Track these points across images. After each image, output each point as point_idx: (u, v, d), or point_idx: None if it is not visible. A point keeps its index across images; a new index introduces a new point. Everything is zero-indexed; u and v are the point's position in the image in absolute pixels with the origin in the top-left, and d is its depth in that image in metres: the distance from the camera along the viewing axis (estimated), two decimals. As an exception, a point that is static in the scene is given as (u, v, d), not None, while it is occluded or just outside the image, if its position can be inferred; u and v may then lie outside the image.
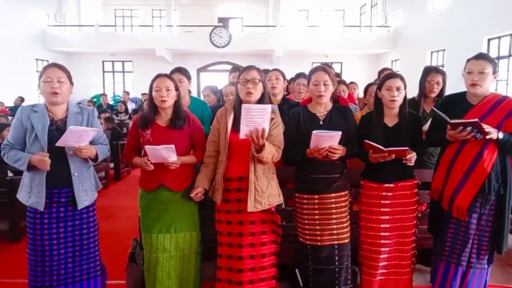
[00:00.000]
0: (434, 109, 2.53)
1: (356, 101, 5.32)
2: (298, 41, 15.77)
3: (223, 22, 17.92)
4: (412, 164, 2.54)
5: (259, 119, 2.25)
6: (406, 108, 2.68)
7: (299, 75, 4.17)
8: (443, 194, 2.60)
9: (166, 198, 2.68)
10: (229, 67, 16.21)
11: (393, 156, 2.47)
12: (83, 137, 2.41)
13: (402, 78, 2.64)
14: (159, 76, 2.66)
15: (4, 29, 12.99)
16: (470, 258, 2.60)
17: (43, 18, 15.59)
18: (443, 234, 2.65)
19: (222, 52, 15.81)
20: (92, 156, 2.57)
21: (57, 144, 2.38)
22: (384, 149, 2.44)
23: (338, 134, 2.41)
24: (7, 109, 11.17)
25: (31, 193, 2.49)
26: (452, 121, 2.40)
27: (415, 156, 2.52)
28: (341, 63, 17.32)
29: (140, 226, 2.85)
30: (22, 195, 2.55)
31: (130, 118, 9.31)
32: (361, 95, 7.27)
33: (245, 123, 2.25)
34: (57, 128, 2.52)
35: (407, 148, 2.48)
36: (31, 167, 2.42)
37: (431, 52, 12.91)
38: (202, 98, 4.27)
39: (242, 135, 2.29)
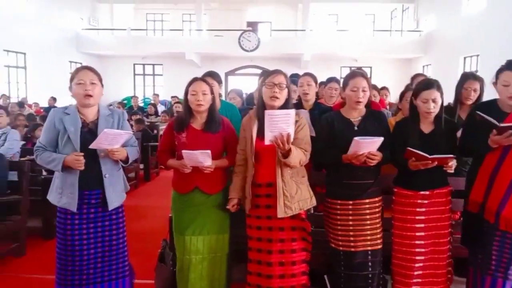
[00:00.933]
0: (479, 113, 2.40)
1: (387, 106, 5.22)
2: (327, 45, 15.72)
3: (252, 26, 18.03)
4: (452, 171, 2.47)
5: (283, 124, 2.23)
6: (442, 114, 2.61)
7: (331, 80, 4.13)
8: (486, 206, 2.49)
9: (200, 200, 2.69)
10: (257, 71, 16.39)
11: (436, 163, 2.41)
12: (116, 139, 2.45)
13: (439, 87, 2.55)
14: (195, 80, 2.67)
15: (40, 31, 13.48)
16: None
17: (77, 21, 16.09)
18: (486, 247, 2.53)
19: (251, 56, 15.89)
20: (123, 158, 2.59)
21: (90, 147, 2.41)
22: (429, 156, 2.36)
23: (379, 140, 2.37)
24: (41, 110, 11.52)
25: (62, 194, 2.52)
26: (502, 124, 2.29)
27: (456, 164, 2.46)
28: (371, 67, 17.10)
29: (171, 228, 2.87)
30: (53, 196, 2.58)
31: (161, 120, 9.45)
32: (392, 100, 7.17)
33: (269, 129, 2.23)
34: (89, 130, 2.55)
35: (452, 155, 2.41)
36: (65, 168, 2.45)
37: (464, 58, 12.62)
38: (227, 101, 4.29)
39: (267, 141, 2.27)
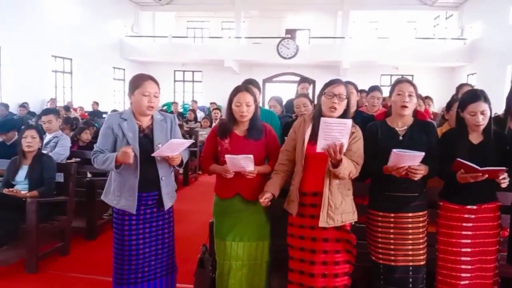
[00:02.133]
0: None
1: (431, 116, 5.09)
2: (366, 52, 15.49)
3: (291, 33, 18.06)
4: (505, 185, 2.34)
5: (338, 133, 2.20)
6: (491, 125, 2.50)
7: (373, 88, 4.09)
8: None
9: (241, 206, 2.72)
10: (294, 78, 16.36)
11: (486, 176, 2.30)
12: (179, 147, 2.57)
13: (486, 99, 2.45)
14: (239, 90, 2.69)
15: (86, 38, 14.04)
16: None
17: (121, 29, 16.63)
18: None
19: (288, 63, 15.90)
20: (179, 162, 2.71)
21: (154, 155, 2.55)
22: (479, 168, 2.26)
23: (420, 155, 2.29)
24: (86, 114, 11.95)
25: (121, 197, 2.65)
26: None
27: (508, 178, 2.33)
28: (412, 75, 16.68)
29: (211, 233, 2.90)
30: (110, 198, 2.71)
31: (202, 125, 9.60)
32: (435, 110, 6.97)
33: (323, 137, 2.21)
34: (145, 135, 2.67)
35: (503, 168, 2.29)
36: (119, 166, 2.56)
37: (512, 66, 12.11)
38: (267, 108, 4.30)
39: (319, 148, 2.25)
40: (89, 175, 5.11)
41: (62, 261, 3.98)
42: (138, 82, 2.62)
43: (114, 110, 11.38)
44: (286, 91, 12.32)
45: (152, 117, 2.73)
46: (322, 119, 2.22)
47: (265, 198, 2.55)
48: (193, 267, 3.08)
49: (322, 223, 2.41)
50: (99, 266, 3.76)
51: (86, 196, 4.48)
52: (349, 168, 2.35)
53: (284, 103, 4.73)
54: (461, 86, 4.33)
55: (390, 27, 18.25)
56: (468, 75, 15.15)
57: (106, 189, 2.76)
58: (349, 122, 2.24)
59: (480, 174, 2.29)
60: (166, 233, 2.80)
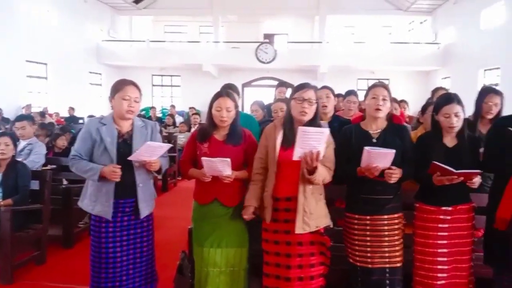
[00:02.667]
0: (511, 129, 2.37)
1: (407, 119, 5.19)
2: (343, 57, 15.69)
3: (269, 38, 18.18)
4: (476, 187, 2.43)
5: (315, 142, 2.22)
6: (465, 129, 2.58)
7: (350, 93, 4.13)
8: None
9: (219, 212, 2.70)
10: (273, 82, 16.44)
11: (461, 178, 2.37)
12: (156, 152, 2.55)
13: (459, 101, 2.54)
14: (220, 95, 2.69)
15: (62, 42, 13.80)
16: None
17: (97, 33, 16.41)
18: None
19: (267, 67, 15.97)
20: (157, 169, 2.68)
21: (130, 158, 2.52)
22: (455, 171, 2.32)
23: (391, 152, 2.33)
24: (62, 119, 11.74)
25: (96, 202, 2.62)
26: None
27: (480, 180, 2.42)
28: (388, 79, 16.97)
29: (190, 239, 2.88)
30: (86, 203, 2.68)
31: (179, 130, 9.52)
32: (410, 113, 7.11)
33: (300, 145, 2.23)
34: (124, 141, 2.65)
35: (478, 171, 2.37)
36: (101, 178, 2.54)
37: (484, 70, 12.47)
38: (249, 113, 4.31)
39: (296, 157, 2.26)
40: (65, 182, 5.03)
41: (38, 270, 3.89)
42: (119, 86, 2.62)
43: (91, 116, 11.22)
44: (265, 96, 12.40)
45: (133, 123, 2.71)
46: (300, 128, 2.24)
47: (249, 214, 2.58)
48: (173, 273, 3.07)
49: (298, 229, 2.43)
50: (76, 274, 3.69)
51: (62, 204, 4.39)
52: (323, 174, 2.39)
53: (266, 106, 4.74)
54: (436, 90, 4.42)
55: (366, 32, 18.56)
56: (442, 79, 15.50)
57: (82, 194, 2.73)
58: (326, 131, 2.26)
59: (456, 176, 2.36)
60: (145, 241, 2.76)
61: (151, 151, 2.52)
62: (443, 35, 15.48)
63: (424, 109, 3.55)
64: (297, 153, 2.25)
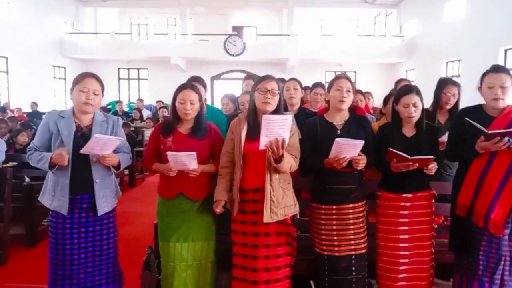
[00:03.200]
0: (468, 120, 2.44)
1: (371, 111, 5.29)
2: (312, 50, 15.80)
3: (237, 30, 18.07)
4: (432, 174, 2.52)
5: (280, 129, 2.24)
6: (423, 119, 2.66)
7: (316, 85, 4.16)
8: (475, 209, 2.53)
9: (185, 207, 2.69)
10: (242, 75, 16.38)
11: (417, 165, 2.45)
12: (107, 145, 2.48)
13: (418, 92, 2.62)
14: (183, 88, 2.66)
15: (23, 35, 13.26)
16: (503, 276, 2.52)
17: (61, 25, 15.90)
18: (474, 252, 2.56)
19: (236, 60, 15.91)
20: (115, 164, 2.62)
21: (81, 151, 2.44)
22: (410, 157, 2.40)
23: (360, 143, 2.38)
24: (24, 115, 11.36)
25: (54, 197, 2.56)
26: (490, 131, 2.34)
27: (436, 166, 2.52)
28: (355, 72, 17.28)
29: (156, 235, 2.85)
30: (46, 198, 2.62)
31: (146, 126, 9.37)
32: (376, 104, 7.25)
33: (265, 133, 2.24)
34: (82, 135, 2.58)
35: (432, 157, 2.46)
36: (53, 166, 2.48)
37: (447, 62, 12.85)
38: (220, 106, 4.28)
39: (262, 145, 2.28)
40: (27, 179, 4.88)
41: (0, 271, 3.77)
42: (79, 78, 2.57)
43: (55, 110, 10.88)
44: (234, 88, 12.36)
45: (93, 117, 2.64)
46: (264, 116, 2.25)
47: (220, 208, 2.57)
48: (140, 270, 3.03)
49: (266, 218, 2.45)
50: (39, 274, 3.57)
51: (24, 202, 4.26)
52: (290, 162, 2.42)
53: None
54: (399, 81, 4.52)
55: (334, 25, 18.76)
56: (407, 71, 15.88)
57: (42, 189, 2.66)
58: (289, 117, 2.28)
59: (411, 163, 2.44)
60: (105, 239, 2.68)
61: (102, 145, 2.44)
62: (408, 28, 15.83)
63: (386, 101, 3.62)
64: (263, 142, 2.27)
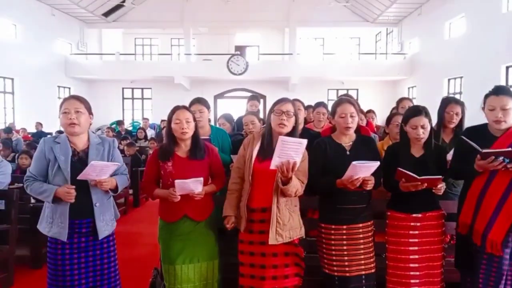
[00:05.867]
0: (464, 138, 2.48)
1: (375, 129, 5.30)
2: (314, 68, 15.97)
3: (240, 50, 18.30)
4: (441, 193, 2.53)
5: (293, 152, 2.26)
6: (432, 139, 2.68)
7: (319, 104, 4.20)
8: (474, 228, 2.53)
9: (189, 228, 2.69)
10: (245, 93, 16.47)
11: (425, 185, 2.46)
12: (104, 171, 2.45)
13: (427, 114, 2.64)
14: (177, 108, 2.70)
15: (29, 57, 13.47)
16: None
17: (66, 46, 16.12)
18: (474, 271, 2.56)
19: (239, 79, 16.04)
20: (113, 187, 2.59)
21: (79, 178, 2.41)
22: (418, 177, 2.41)
23: (376, 164, 2.40)
24: (29, 135, 11.43)
25: (52, 224, 2.50)
26: (484, 150, 2.35)
27: (445, 186, 2.53)
28: (357, 90, 17.36)
29: (160, 257, 2.84)
30: (43, 226, 2.57)
31: (150, 146, 9.37)
32: (379, 122, 7.28)
33: (278, 154, 2.26)
34: (79, 159, 2.55)
35: (440, 177, 2.46)
36: (56, 199, 2.44)
37: (448, 79, 12.89)
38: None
39: (273, 165, 2.29)
40: (32, 200, 4.88)
41: (5, 293, 3.76)
42: (61, 103, 2.56)
43: (59, 131, 10.97)
44: (237, 107, 12.44)
45: (88, 139, 2.63)
46: (281, 137, 2.27)
47: (231, 223, 2.59)
48: (145, 290, 3.02)
49: (271, 240, 2.46)
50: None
51: (29, 223, 4.26)
52: (296, 186, 2.43)
53: (235, 119, 4.75)
54: (401, 100, 4.55)
55: (335, 44, 18.96)
56: (409, 88, 15.94)
57: (40, 216, 2.62)
58: (304, 142, 2.29)
59: (419, 182, 2.44)
60: (106, 263, 2.62)
61: (99, 170, 2.42)
62: (409, 46, 15.96)
63: (388, 120, 3.65)
64: (275, 162, 2.28)
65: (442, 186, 2.50)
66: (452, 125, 3.34)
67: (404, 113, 2.89)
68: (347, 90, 16.08)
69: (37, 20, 14.03)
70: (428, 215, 2.67)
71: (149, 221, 6.25)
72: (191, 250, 2.69)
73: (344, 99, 2.72)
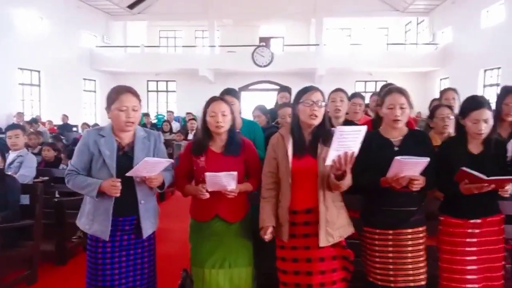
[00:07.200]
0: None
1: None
2: (340, 59, 15.61)
3: (265, 41, 17.98)
4: (508, 195, 2.21)
5: (351, 142, 2.02)
6: (494, 135, 2.37)
7: (355, 95, 3.93)
8: None
9: (221, 229, 2.48)
10: (270, 86, 16.24)
11: (493, 186, 2.15)
12: (156, 167, 2.30)
13: (490, 107, 2.33)
14: (213, 100, 2.48)
15: (55, 49, 13.59)
16: None
17: (91, 39, 16.22)
18: None
19: (264, 71, 15.81)
20: (160, 184, 2.44)
21: (128, 174, 2.27)
22: (486, 178, 2.10)
23: (424, 161, 2.10)
24: (55, 127, 11.50)
25: (94, 221, 2.38)
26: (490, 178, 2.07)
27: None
28: (386, 81, 16.79)
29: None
30: (83, 222, 2.44)
31: (176, 139, 9.24)
32: (412, 115, 6.91)
33: (335, 147, 2.01)
34: (124, 154, 2.40)
35: (511, 177, 2.15)
36: (99, 194, 2.30)
37: (485, 70, 12.34)
38: (249, 118, 4.07)
39: (329, 161, 2.05)
40: (57, 195, 4.78)
41: (29, 291, 3.64)
42: (114, 95, 2.35)
43: (85, 123, 10.98)
44: (262, 99, 12.20)
45: (134, 134, 2.46)
46: (337, 128, 2.02)
47: (269, 234, 2.34)
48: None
49: (322, 242, 2.22)
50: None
51: (54, 218, 4.15)
52: (350, 178, 2.18)
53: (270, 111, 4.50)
54: (445, 91, 4.20)
55: (363, 34, 18.44)
56: (441, 80, 15.39)
57: (80, 212, 2.50)
58: (364, 128, 2.04)
59: (486, 184, 2.13)
60: (146, 262, 2.50)
61: (150, 167, 2.28)
62: (441, 36, 15.36)
63: (432, 113, 3.35)
64: (332, 156, 2.04)
65: (510, 187, 2.18)
66: (510, 118, 3.00)
67: (462, 105, 2.55)
68: (376, 81, 15.65)
69: (63, 13, 14.11)
70: (489, 220, 2.36)
71: (175, 217, 6.08)
72: (222, 253, 2.48)
73: (394, 88, 2.43)
